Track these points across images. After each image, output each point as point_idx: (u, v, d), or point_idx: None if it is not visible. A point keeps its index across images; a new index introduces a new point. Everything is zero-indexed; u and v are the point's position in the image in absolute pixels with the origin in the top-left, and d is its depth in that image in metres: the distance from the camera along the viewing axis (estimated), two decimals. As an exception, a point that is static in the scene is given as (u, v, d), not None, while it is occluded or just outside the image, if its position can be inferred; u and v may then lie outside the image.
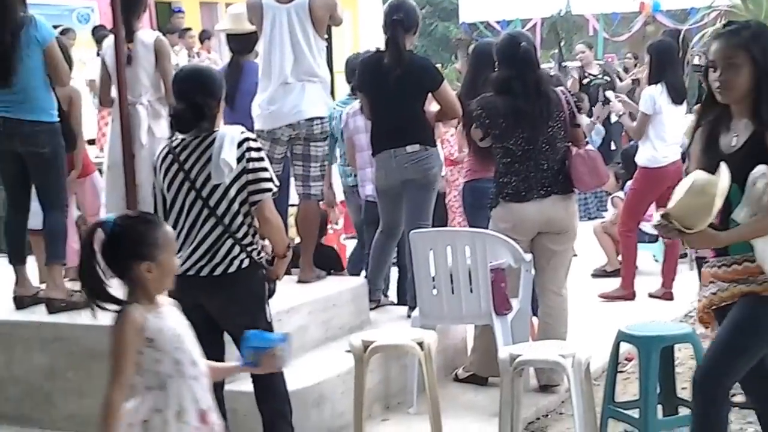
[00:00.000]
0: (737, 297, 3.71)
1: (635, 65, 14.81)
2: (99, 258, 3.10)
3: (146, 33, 6.08)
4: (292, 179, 6.13)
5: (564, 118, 5.58)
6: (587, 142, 5.75)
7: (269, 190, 4.30)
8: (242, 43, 6.45)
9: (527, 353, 4.74)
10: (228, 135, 4.24)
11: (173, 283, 4.22)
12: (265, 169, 4.29)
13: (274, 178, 4.35)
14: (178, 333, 3.20)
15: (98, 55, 6.30)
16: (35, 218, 6.56)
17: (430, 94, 6.02)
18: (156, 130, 5.83)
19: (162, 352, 3.14)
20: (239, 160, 4.22)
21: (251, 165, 4.25)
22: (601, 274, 8.60)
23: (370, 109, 6.12)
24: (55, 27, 9.72)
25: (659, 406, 4.71)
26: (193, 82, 4.35)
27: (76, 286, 5.79)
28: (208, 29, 13.91)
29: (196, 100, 4.27)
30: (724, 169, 3.53)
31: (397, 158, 5.98)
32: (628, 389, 5.56)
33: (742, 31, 3.63)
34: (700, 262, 5.89)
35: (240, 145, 4.24)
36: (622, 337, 4.78)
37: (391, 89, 5.93)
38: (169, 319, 3.20)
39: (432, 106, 6.14)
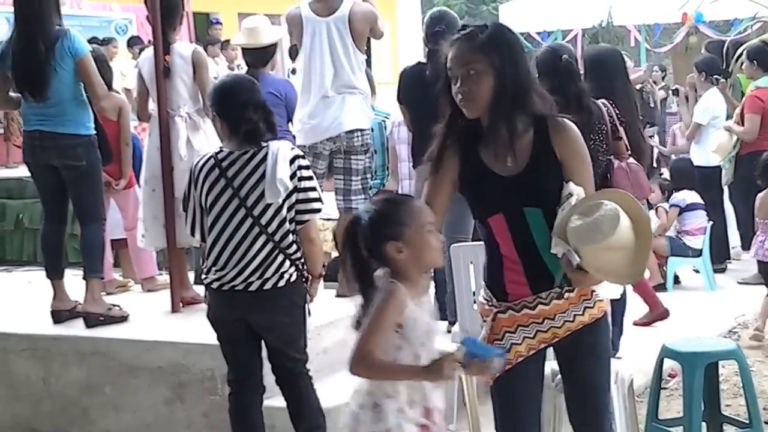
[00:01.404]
0: None
1: (663, 78, 14.70)
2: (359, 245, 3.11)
3: (183, 45, 6.06)
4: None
5: (606, 131, 5.52)
6: (630, 155, 5.65)
7: (318, 210, 4.27)
8: (258, 57, 6.44)
9: (568, 370, 4.64)
10: (280, 152, 4.17)
11: (218, 297, 4.28)
12: (314, 189, 4.25)
13: (322, 197, 4.32)
14: (429, 329, 3.14)
15: (136, 67, 6.29)
16: (117, 228, 6.69)
17: None
18: (195, 143, 5.81)
19: (407, 341, 3.09)
20: (291, 178, 4.17)
21: (302, 184, 4.21)
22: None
23: (411, 121, 6.07)
24: (94, 39, 9.91)
25: (703, 424, 4.63)
26: (258, 92, 4.29)
27: (114, 300, 5.90)
28: (216, 35, 13.92)
29: (251, 115, 4.20)
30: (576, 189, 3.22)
31: None
32: (671, 406, 5.46)
33: (478, 35, 3.28)
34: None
35: (291, 162, 4.19)
36: (665, 353, 4.70)
37: (432, 101, 5.87)
38: (426, 312, 3.14)
39: None
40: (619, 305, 6.13)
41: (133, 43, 12.47)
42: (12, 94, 5.66)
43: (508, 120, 3.23)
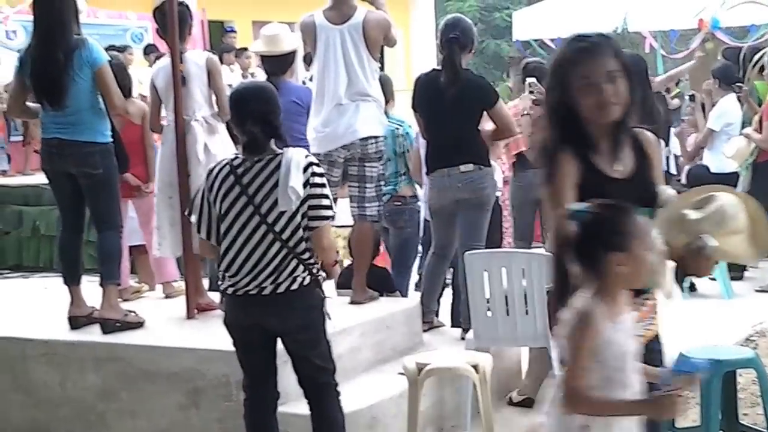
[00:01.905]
0: None
1: (677, 84, 14.62)
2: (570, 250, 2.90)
3: (197, 53, 6.12)
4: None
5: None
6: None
7: (329, 217, 4.27)
8: (277, 64, 6.45)
9: (585, 377, 4.63)
10: (294, 159, 4.18)
11: (233, 302, 4.29)
12: (326, 196, 4.26)
13: (333, 204, 4.33)
14: (624, 351, 2.91)
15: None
16: (135, 235, 6.69)
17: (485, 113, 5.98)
18: (211, 147, 5.83)
19: (599, 363, 2.87)
20: (304, 185, 4.18)
21: (314, 191, 4.21)
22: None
23: (425, 128, 6.08)
24: (111, 47, 9.95)
25: (720, 433, 4.59)
26: (264, 102, 4.28)
27: (130, 306, 5.92)
28: (232, 43, 13.95)
29: (271, 120, 4.23)
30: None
31: (450, 178, 5.94)
32: (688, 415, 5.38)
33: (609, 43, 3.35)
34: None
35: (305, 170, 4.20)
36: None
37: (446, 108, 5.90)
38: (623, 332, 2.91)
39: (487, 125, 6.08)
40: None
41: (149, 51, 12.52)
42: (30, 104, 5.70)
43: (631, 123, 3.32)
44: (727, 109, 8.80)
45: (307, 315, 4.27)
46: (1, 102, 12.43)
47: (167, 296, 6.55)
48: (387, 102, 6.78)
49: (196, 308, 5.82)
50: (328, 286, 7.03)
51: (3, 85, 12.51)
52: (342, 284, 6.56)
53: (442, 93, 5.91)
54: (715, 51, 13.07)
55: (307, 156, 4.28)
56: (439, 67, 6.01)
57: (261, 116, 4.23)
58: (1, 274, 10.15)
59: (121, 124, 6.46)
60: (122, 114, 5.80)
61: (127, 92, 6.10)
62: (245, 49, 13.37)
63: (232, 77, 12.29)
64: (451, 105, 5.88)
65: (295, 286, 4.21)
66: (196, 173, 5.68)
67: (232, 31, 14.90)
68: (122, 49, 10.72)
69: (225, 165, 4.30)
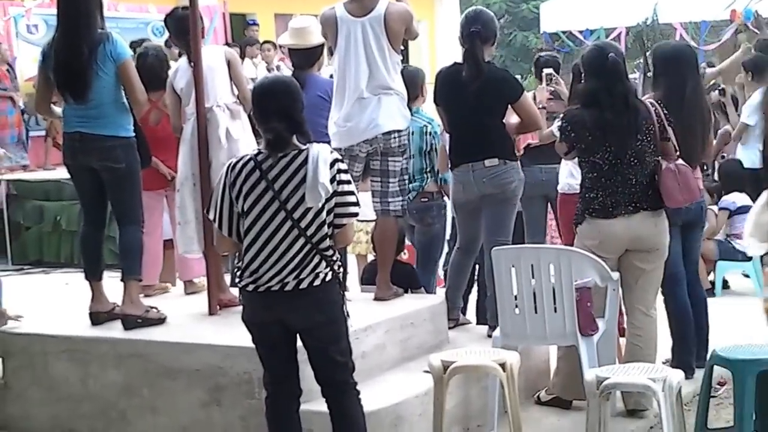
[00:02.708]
0: None
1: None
2: None
3: (213, 48, 6.17)
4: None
5: (653, 131, 5.43)
6: (679, 156, 5.52)
7: (355, 214, 4.26)
8: (305, 58, 6.40)
9: (615, 376, 4.59)
10: (321, 155, 4.15)
11: (253, 299, 4.22)
12: (352, 193, 4.24)
13: (359, 201, 4.30)
14: None
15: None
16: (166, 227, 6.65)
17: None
18: (233, 132, 5.79)
19: None
20: (331, 181, 4.15)
21: (341, 188, 4.19)
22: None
23: (448, 122, 6.00)
24: (134, 42, 9.91)
25: (755, 434, 4.51)
26: (288, 97, 4.24)
27: (151, 302, 5.87)
28: (254, 36, 13.87)
29: (295, 116, 4.19)
30: None
31: (475, 172, 5.85)
32: (721, 415, 5.33)
33: None
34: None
35: (332, 166, 4.17)
36: (716, 360, 4.60)
37: (469, 102, 5.81)
38: None
39: (512, 118, 5.97)
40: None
41: (170, 44, 12.46)
42: (55, 107, 5.69)
43: None
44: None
45: (329, 311, 4.24)
46: (20, 96, 12.48)
47: (189, 293, 6.47)
48: (417, 97, 6.69)
49: (218, 304, 5.77)
50: (351, 283, 7.05)
51: (24, 79, 12.55)
52: (366, 280, 6.49)
53: (465, 87, 5.82)
54: (749, 42, 12.87)
55: (332, 152, 4.24)
56: (461, 61, 5.91)
57: (286, 112, 4.19)
58: (22, 270, 10.17)
59: (158, 116, 6.47)
60: (144, 107, 5.74)
61: (163, 85, 6.06)
62: (268, 41, 13.30)
63: (255, 71, 12.22)
64: (474, 99, 5.79)
65: (317, 282, 4.18)
66: (218, 159, 5.63)
67: (255, 23, 14.82)
68: (138, 43, 10.63)
69: (249, 160, 4.25)
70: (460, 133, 5.97)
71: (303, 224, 4.17)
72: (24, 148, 12.51)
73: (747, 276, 8.30)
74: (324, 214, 4.17)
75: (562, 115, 5.54)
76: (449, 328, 5.99)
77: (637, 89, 6.52)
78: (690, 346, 5.95)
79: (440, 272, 7.22)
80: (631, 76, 6.71)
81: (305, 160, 4.16)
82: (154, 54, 5.93)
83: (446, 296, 6.14)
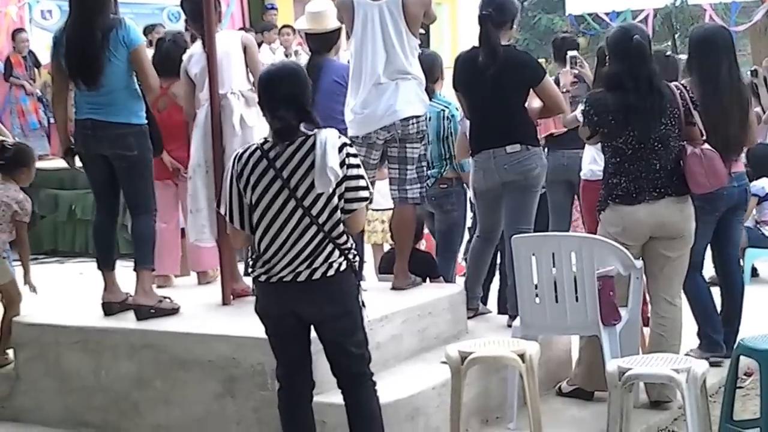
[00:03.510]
0: None
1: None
2: None
3: (229, 33, 6.08)
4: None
5: (678, 114, 5.30)
6: (705, 141, 5.37)
7: (366, 198, 4.17)
8: (322, 42, 6.33)
9: (637, 367, 4.48)
10: (329, 140, 4.07)
11: (266, 290, 4.15)
12: (362, 177, 4.16)
13: (370, 186, 4.22)
14: None
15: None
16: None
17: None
18: (248, 119, 5.70)
19: None
20: (340, 165, 4.07)
21: (350, 172, 4.11)
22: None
23: (468, 108, 5.89)
24: (149, 27, 9.83)
25: (783, 427, 4.36)
26: (295, 85, 4.14)
27: (164, 292, 5.79)
28: (272, 21, 13.75)
29: (303, 104, 4.11)
30: None
31: (496, 159, 5.73)
32: (747, 407, 5.21)
33: None
34: None
35: (340, 150, 4.09)
36: (741, 350, 4.48)
37: (488, 87, 5.69)
38: None
39: (534, 103, 5.84)
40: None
41: (187, 29, 12.39)
42: (70, 106, 5.62)
43: None
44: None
45: (343, 302, 4.16)
46: (37, 84, 12.44)
47: (207, 283, 6.41)
48: (436, 81, 6.58)
49: (231, 294, 5.70)
50: (369, 272, 6.95)
51: (38, 67, 12.51)
52: (384, 269, 6.40)
53: (483, 72, 5.69)
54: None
55: (339, 136, 4.15)
56: (478, 45, 5.79)
57: (293, 100, 4.11)
58: (36, 259, 10.07)
59: (165, 103, 6.39)
60: (156, 94, 5.69)
61: (177, 72, 5.97)
62: (287, 26, 13.14)
63: (273, 56, 12.10)
64: (494, 83, 5.67)
65: (331, 272, 4.11)
66: (232, 146, 5.54)
67: (273, 8, 14.65)
68: (150, 28, 10.55)
69: (255, 150, 4.18)
70: (480, 118, 5.85)
71: (314, 212, 4.09)
72: (46, 136, 12.49)
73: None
74: (335, 199, 4.09)
75: (585, 99, 5.41)
76: (468, 318, 5.90)
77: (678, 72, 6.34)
78: (715, 324, 5.88)
79: (461, 260, 7.12)
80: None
81: (313, 146, 4.08)
82: (172, 40, 5.85)
83: (465, 285, 6.04)
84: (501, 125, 5.72)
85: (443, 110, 6.60)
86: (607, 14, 17.10)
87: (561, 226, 6.82)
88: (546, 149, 6.84)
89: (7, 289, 5.99)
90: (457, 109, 6.61)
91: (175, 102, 6.26)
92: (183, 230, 6.54)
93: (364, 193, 4.16)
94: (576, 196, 7.08)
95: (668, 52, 7.46)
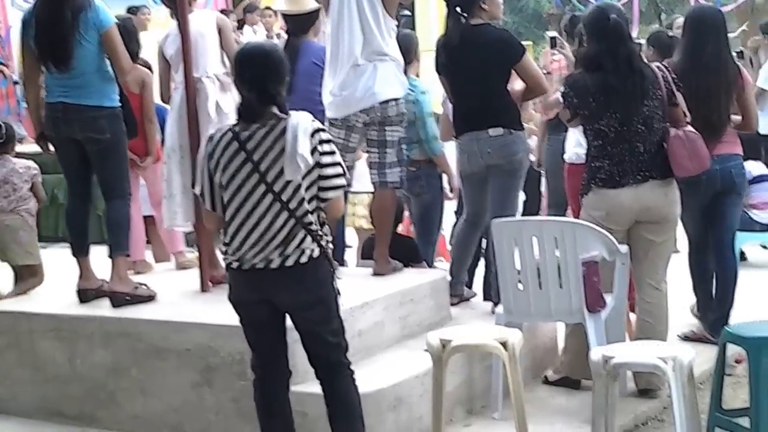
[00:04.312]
0: None
1: None
2: None
3: (205, 13, 6.03)
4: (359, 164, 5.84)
5: (661, 95, 5.19)
6: (689, 123, 5.26)
7: (341, 186, 4.05)
8: (300, 23, 6.24)
9: (622, 355, 4.35)
10: (300, 125, 3.96)
11: (239, 278, 4.05)
12: (337, 164, 4.03)
13: (347, 173, 4.11)
14: None
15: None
16: (145, 204, 6.58)
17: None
18: (223, 105, 5.64)
19: None
20: (311, 152, 3.96)
21: (324, 159, 3.99)
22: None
23: (450, 90, 5.81)
24: (132, 9, 9.68)
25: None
26: (261, 66, 4.03)
27: (141, 279, 5.69)
28: (255, 2, 13.58)
29: (267, 88, 3.99)
30: None
31: (479, 142, 5.65)
32: (738, 395, 5.12)
33: None
34: None
35: (312, 135, 3.98)
36: (728, 337, 4.38)
37: (469, 69, 5.57)
38: None
39: (516, 84, 5.72)
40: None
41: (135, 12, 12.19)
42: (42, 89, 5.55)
43: None
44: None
45: (317, 289, 4.06)
46: (14, 68, 12.24)
47: (180, 267, 6.36)
48: (410, 62, 6.46)
49: (210, 281, 5.62)
50: (352, 257, 6.86)
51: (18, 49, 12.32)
52: (365, 255, 6.30)
53: (464, 53, 5.57)
54: (765, 7, 12.54)
55: (313, 120, 4.04)
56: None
57: (258, 82, 4.00)
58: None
59: None
60: (123, 82, 5.58)
61: (132, 58, 5.88)
62: (268, 8, 13.02)
63: (255, 38, 11.98)
64: (474, 65, 5.55)
65: (304, 259, 4.00)
66: (208, 132, 5.43)
67: None
68: (135, 10, 10.39)
69: (227, 131, 4.08)
70: (462, 101, 5.76)
71: (284, 197, 3.98)
72: (20, 120, 12.33)
73: (765, 247, 8.03)
74: (303, 189, 3.98)
75: (564, 80, 5.32)
76: (453, 304, 5.81)
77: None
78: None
79: (448, 247, 7.02)
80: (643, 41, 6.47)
81: (284, 130, 3.97)
82: (122, 26, 5.73)
83: (450, 270, 5.95)
84: (483, 107, 5.63)
85: (409, 93, 6.48)
86: (593, -5, 16.96)
87: (559, 214, 6.70)
88: (548, 132, 6.74)
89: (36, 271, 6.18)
90: (423, 92, 6.51)
91: (127, 90, 6.13)
92: (146, 218, 6.52)
93: (340, 181, 4.04)
94: None
95: (671, 34, 7.33)
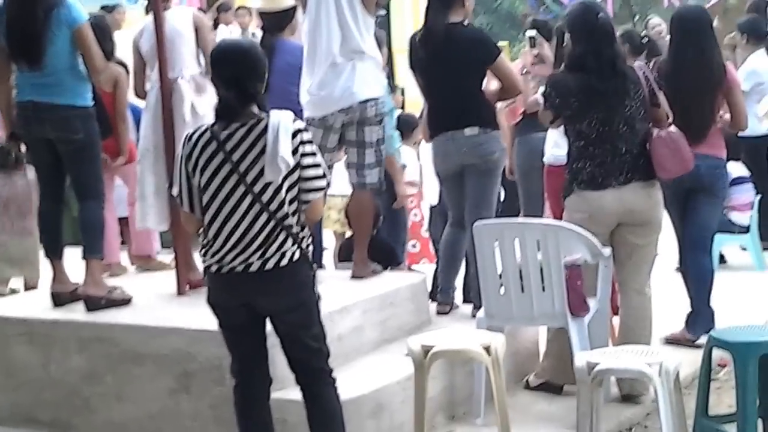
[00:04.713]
0: None
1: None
2: None
3: (182, 10, 5.90)
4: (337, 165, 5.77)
5: (643, 96, 5.14)
6: (671, 123, 5.21)
7: (322, 188, 3.98)
8: (275, 21, 6.16)
9: (607, 361, 4.31)
10: (282, 125, 3.87)
11: (217, 281, 3.98)
12: (318, 165, 3.96)
13: (327, 174, 4.03)
14: None
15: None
16: (122, 205, 6.51)
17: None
18: (199, 107, 5.55)
19: None
20: (293, 153, 3.88)
21: (305, 161, 3.92)
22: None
23: (423, 89, 5.76)
24: (105, 7, 9.55)
25: (759, 421, 4.24)
26: (239, 64, 3.94)
27: (116, 281, 5.60)
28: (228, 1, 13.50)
29: (246, 87, 3.91)
30: None
31: (455, 141, 5.60)
32: (722, 399, 5.09)
33: None
34: None
35: (294, 136, 3.89)
36: (714, 342, 4.34)
37: (441, 67, 5.51)
38: None
39: (491, 84, 5.68)
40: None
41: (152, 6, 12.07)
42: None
43: None
44: (757, 66, 8.31)
45: (298, 293, 3.99)
46: None
47: (146, 270, 6.33)
48: None
49: (187, 284, 5.53)
50: (328, 260, 6.78)
51: None
52: (342, 257, 6.22)
53: (435, 51, 5.52)
54: (740, 5, 12.54)
55: (295, 120, 3.95)
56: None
57: (236, 81, 3.91)
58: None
59: None
60: (96, 81, 5.51)
61: (107, 56, 5.79)
62: (242, 7, 12.96)
63: (230, 36, 11.89)
64: (452, 63, 5.49)
65: (284, 262, 3.92)
66: (182, 135, 5.32)
67: None
68: (110, 8, 10.27)
69: (205, 130, 3.99)
70: (436, 100, 5.71)
71: (265, 198, 3.90)
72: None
73: (744, 249, 8.00)
74: (284, 191, 3.90)
75: (546, 80, 5.26)
76: (444, 313, 5.73)
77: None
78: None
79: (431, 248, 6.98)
80: None
81: (265, 130, 3.89)
82: (94, 23, 5.64)
83: (438, 277, 5.90)
84: (458, 107, 5.57)
85: None
86: (567, -4, 16.98)
87: (536, 215, 6.65)
88: (520, 132, 6.68)
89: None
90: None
91: (100, 89, 6.05)
92: (121, 219, 6.43)
93: (321, 183, 3.97)
94: None
95: (643, 33, 7.32)
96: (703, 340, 5.23)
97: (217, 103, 3.98)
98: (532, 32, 6.48)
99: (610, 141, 5.07)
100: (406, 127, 7.51)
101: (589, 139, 5.09)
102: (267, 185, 3.88)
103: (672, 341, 5.84)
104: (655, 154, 5.10)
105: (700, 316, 5.87)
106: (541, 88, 5.49)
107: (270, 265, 3.91)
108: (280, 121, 3.89)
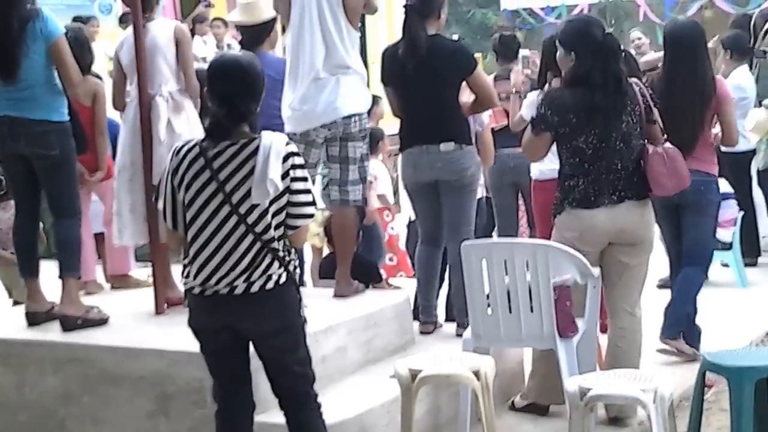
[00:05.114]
0: None
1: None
2: None
3: (163, 22, 5.74)
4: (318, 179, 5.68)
5: (639, 112, 5.05)
6: (666, 140, 5.14)
7: (311, 215, 3.90)
8: (254, 35, 6.09)
9: (601, 386, 4.22)
10: (273, 147, 3.78)
11: (200, 304, 3.88)
12: (308, 191, 3.87)
13: (316, 200, 3.94)
14: None
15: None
16: (95, 221, 6.40)
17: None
18: (176, 126, 5.42)
19: None
20: (283, 177, 3.78)
21: (295, 185, 3.82)
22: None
23: (398, 104, 5.67)
24: (78, 18, 9.42)
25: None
26: (235, 82, 3.84)
27: (93, 300, 5.47)
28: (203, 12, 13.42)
29: (239, 106, 3.81)
30: None
31: (429, 155, 5.53)
32: (710, 422, 4.99)
33: None
34: None
35: (285, 159, 3.79)
36: (708, 366, 4.26)
37: (417, 80, 5.44)
38: None
39: (464, 96, 5.61)
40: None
41: (126, 20, 11.97)
42: None
43: None
44: (741, 81, 8.27)
45: (284, 317, 3.89)
46: None
47: (118, 288, 6.20)
48: None
49: (166, 303, 5.42)
50: (307, 278, 6.69)
51: None
52: (322, 274, 6.11)
53: (409, 64, 5.44)
54: (716, 20, 12.58)
55: (287, 143, 3.85)
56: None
57: (227, 99, 3.81)
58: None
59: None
60: (73, 94, 5.39)
61: (85, 69, 5.71)
62: (218, 18, 12.89)
63: (205, 49, 11.83)
64: (423, 76, 5.42)
65: (270, 285, 3.83)
66: (158, 154, 5.30)
67: (208, 4, 14.30)
68: (86, 20, 10.15)
69: (194, 146, 3.88)
70: (411, 115, 5.63)
71: (250, 220, 3.80)
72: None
73: (726, 266, 7.95)
74: (269, 214, 3.80)
75: (541, 98, 5.15)
76: (428, 332, 5.65)
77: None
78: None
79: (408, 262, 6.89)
80: None
81: (255, 151, 3.78)
82: (73, 36, 5.52)
83: (419, 296, 5.81)
84: (433, 121, 5.51)
85: None
86: (542, 9, 17.02)
87: (509, 233, 6.59)
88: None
89: None
90: None
91: (77, 101, 5.91)
92: (96, 235, 6.29)
93: (309, 210, 3.88)
94: (522, 199, 6.85)
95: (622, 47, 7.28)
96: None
97: (209, 120, 3.89)
98: (525, 51, 6.43)
99: (606, 158, 4.95)
100: (372, 140, 7.45)
101: (585, 155, 4.97)
102: (253, 207, 3.78)
103: (668, 352, 5.83)
104: (652, 171, 5.02)
105: (675, 314, 5.87)
106: (526, 107, 5.40)
107: (255, 288, 3.81)
108: (273, 143, 3.79)
